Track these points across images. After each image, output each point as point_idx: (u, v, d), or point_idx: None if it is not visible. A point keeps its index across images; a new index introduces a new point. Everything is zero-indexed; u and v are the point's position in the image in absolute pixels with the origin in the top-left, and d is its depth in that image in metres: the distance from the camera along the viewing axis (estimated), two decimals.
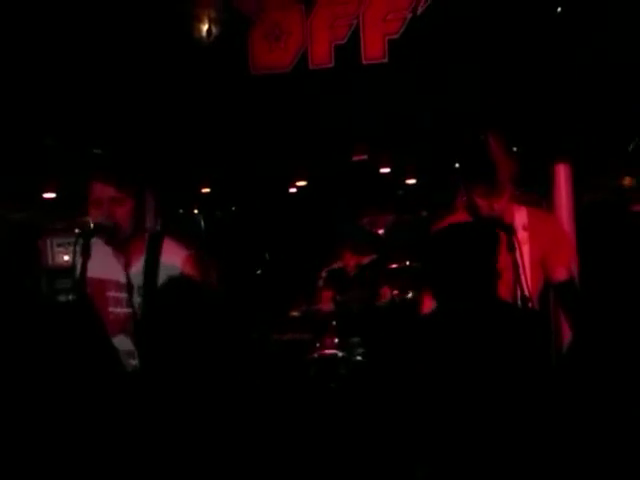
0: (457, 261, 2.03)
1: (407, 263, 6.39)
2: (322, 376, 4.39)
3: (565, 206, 4.27)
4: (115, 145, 4.36)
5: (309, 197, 7.86)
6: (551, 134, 4.09)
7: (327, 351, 4.61)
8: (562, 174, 4.41)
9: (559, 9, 3.62)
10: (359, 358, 4.59)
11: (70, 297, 2.09)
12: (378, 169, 6.33)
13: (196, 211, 9.66)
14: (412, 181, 7.58)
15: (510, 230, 2.01)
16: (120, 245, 2.09)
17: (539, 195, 3.41)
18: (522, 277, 1.97)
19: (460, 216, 2.28)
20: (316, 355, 4.60)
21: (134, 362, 2.08)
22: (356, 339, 4.74)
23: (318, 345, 4.70)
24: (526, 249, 2.17)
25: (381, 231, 9.25)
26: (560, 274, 2.22)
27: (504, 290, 2.01)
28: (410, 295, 5.89)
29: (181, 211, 9.13)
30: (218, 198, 8.29)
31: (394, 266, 6.29)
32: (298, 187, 7.52)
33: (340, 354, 4.58)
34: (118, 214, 2.03)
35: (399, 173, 6.90)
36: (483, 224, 2.13)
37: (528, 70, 3.72)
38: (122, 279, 2.09)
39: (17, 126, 4.13)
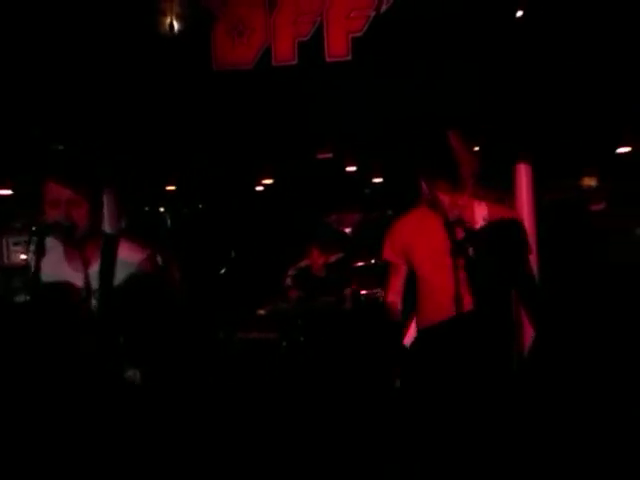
0: None
1: (373, 261, 6.41)
2: (289, 375, 4.38)
3: (526, 205, 4.35)
4: (75, 143, 4.28)
5: (275, 195, 7.83)
6: (512, 135, 4.16)
7: (294, 350, 4.60)
8: (523, 173, 4.49)
9: (519, 13, 3.67)
10: (325, 357, 4.59)
11: (25, 296, 2.03)
12: (344, 167, 6.33)
13: (162, 209, 9.54)
14: (378, 180, 7.61)
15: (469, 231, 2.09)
16: (76, 246, 2.04)
17: (502, 192, 3.45)
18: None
19: (421, 211, 2.30)
20: (282, 354, 4.59)
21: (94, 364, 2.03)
22: (323, 338, 4.74)
23: (284, 344, 4.68)
24: None
25: (348, 229, 9.29)
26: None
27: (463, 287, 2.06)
28: (377, 293, 5.93)
29: (147, 209, 9.01)
30: (184, 196, 8.20)
31: (360, 264, 6.33)
32: (264, 185, 7.49)
33: (305, 353, 4.57)
34: (75, 215, 1.99)
35: (365, 172, 6.92)
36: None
37: (491, 70, 3.76)
38: (78, 283, 2.04)
39: None
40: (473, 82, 3.78)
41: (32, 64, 3.85)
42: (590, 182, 7.80)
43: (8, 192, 5.36)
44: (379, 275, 6.33)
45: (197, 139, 4.40)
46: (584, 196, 6.35)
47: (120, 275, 2.02)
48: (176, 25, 3.84)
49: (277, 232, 7.54)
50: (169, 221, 9.65)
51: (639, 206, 5.56)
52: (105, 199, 2.18)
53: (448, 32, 3.53)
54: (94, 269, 2.04)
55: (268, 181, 7.29)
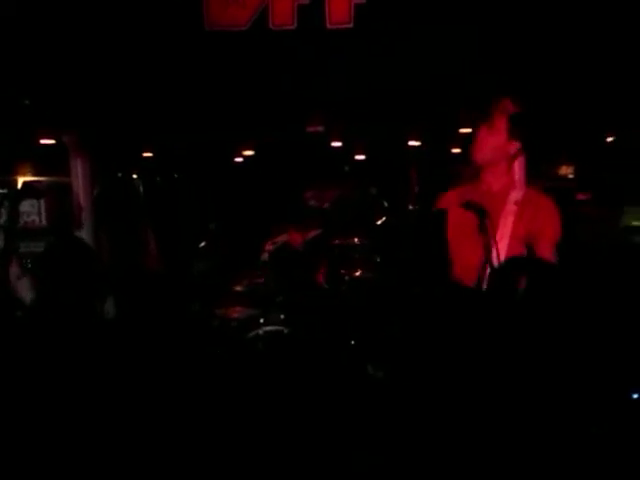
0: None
1: (355, 240, 6.30)
2: (267, 353, 4.27)
3: None
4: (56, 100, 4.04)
5: (254, 168, 7.63)
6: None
7: (271, 327, 4.48)
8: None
9: None
10: (304, 335, 4.48)
11: None
12: (329, 142, 6.17)
13: (135, 176, 9.24)
14: (361, 157, 7.49)
15: (483, 214, 2.05)
16: None
17: None
18: (493, 258, 1.99)
19: (463, 187, 2.28)
20: (260, 331, 4.46)
21: None
22: (302, 316, 4.63)
23: (262, 321, 4.55)
24: (509, 222, 2.23)
25: (326, 206, 9.16)
26: (545, 252, 2.20)
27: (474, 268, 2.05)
28: (358, 274, 5.82)
29: (119, 175, 8.69)
30: (160, 164, 7.95)
31: (338, 242, 6.20)
32: (244, 157, 7.30)
33: (285, 331, 4.45)
34: None
35: (349, 148, 6.78)
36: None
37: (494, 46, 3.62)
38: None
39: None
40: (475, 55, 3.63)
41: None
42: (567, 170, 7.82)
43: None
44: (357, 255, 6.25)
45: (180, 102, 4.18)
46: (568, 185, 6.36)
47: None
48: None
49: (256, 206, 7.38)
50: (142, 189, 9.36)
51: (623, 196, 5.58)
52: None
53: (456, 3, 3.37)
54: None
55: (249, 152, 7.10)
